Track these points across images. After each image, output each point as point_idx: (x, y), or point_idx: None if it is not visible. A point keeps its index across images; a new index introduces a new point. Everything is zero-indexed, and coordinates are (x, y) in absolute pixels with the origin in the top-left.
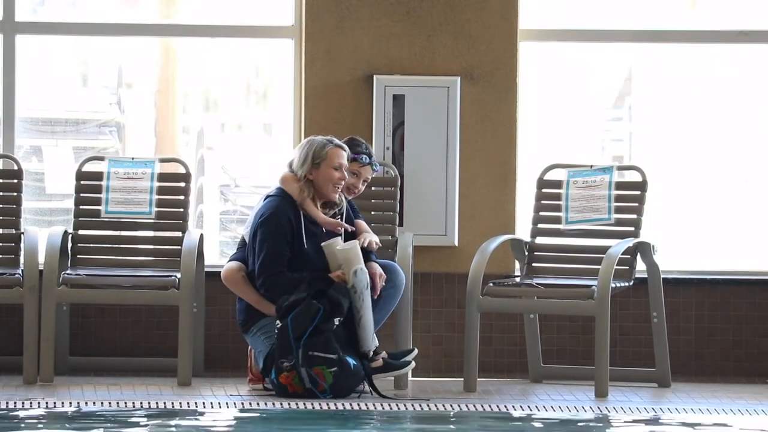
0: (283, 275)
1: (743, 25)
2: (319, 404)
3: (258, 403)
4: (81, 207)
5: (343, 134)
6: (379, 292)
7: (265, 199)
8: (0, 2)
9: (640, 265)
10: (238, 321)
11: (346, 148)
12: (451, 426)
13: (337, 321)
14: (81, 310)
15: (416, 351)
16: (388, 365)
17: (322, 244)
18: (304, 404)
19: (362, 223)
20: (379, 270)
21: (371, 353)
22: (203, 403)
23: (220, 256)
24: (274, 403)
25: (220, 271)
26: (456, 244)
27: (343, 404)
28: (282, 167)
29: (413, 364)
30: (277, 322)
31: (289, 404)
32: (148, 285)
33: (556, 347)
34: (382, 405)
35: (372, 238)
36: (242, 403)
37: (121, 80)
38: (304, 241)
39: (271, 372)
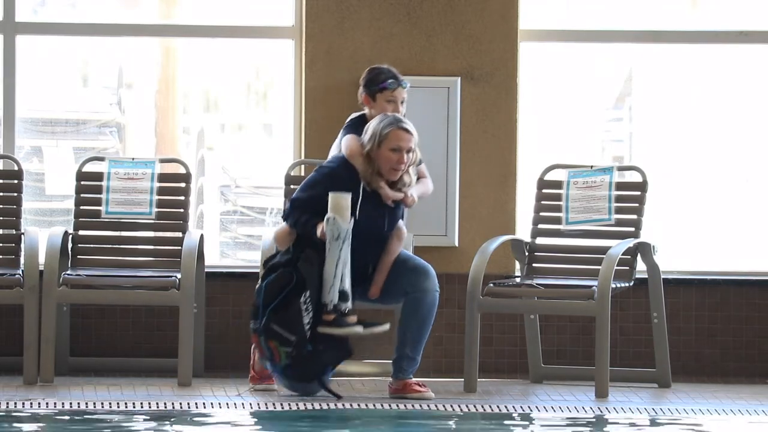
0: (301, 215)
1: (743, 26)
2: (320, 404)
3: (258, 404)
4: (81, 207)
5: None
6: (395, 252)
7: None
8: (0, 3)
9: (641, 266)
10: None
11: (413, 131)
12: (452, 426)
13: (303, 298)
14: (81, 311)
15: (387, 326)
16: (336, 321)
17: (330, 193)
18: (305, 405)
19: (421, 177)
20: (399, 231)
21: (330, 306)
22: (203, 404)
23: (220, 256)
24: (274, 404)
25: (220, 272)
26: (456, 244)
27: (343, 404)
28: (283, 167)
29: (360, 330)
30: (259, 282)
31: (289, 405)
32: (148, 285)
33: (556, 348)
34: (382, 405)
35: (409, 192)
36: (242, 404)
37: (121, 81)
38: (357, 213)
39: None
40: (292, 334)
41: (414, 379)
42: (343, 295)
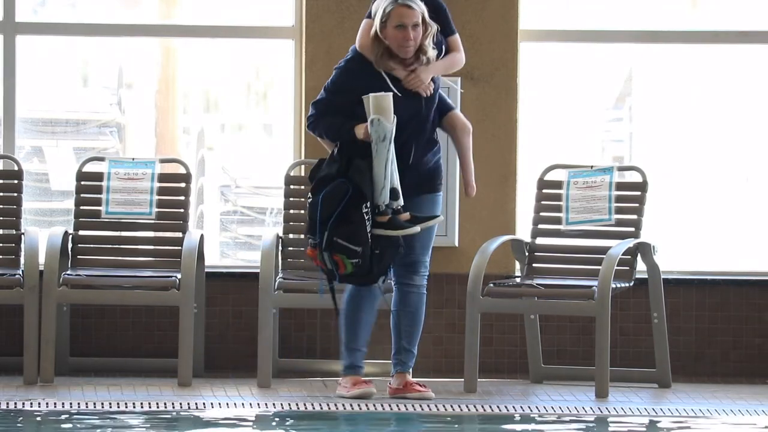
0: (326, 118)
1: (743, 26)
2: (320, 405)
3: (258, 404)
4: (81, 207)
5: None
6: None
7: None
8: (0, 3)
9: (641, 266)
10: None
11: (416, 5)
12: (452, 426)
13: (365, 208)
14: (81, 311)
15: (440, 217)
16: (391, 222)
17: (363, 97)
18: (304, 405)
19: (452, 50)
20: (462, 124)
21: (383, 206)
22: (203, 404)
23: (220, 256)
24: (274, 404)
25: (220, 272)
26: (456, 244)
27: (343, 405)
28: (283, 167)
29: (417, 229)
30: (309, 195)
31: (289, 405)
32: (148, 286)
33: (556, 348)
34: (383, 406)
35: (423, 77)
36: (242, 404)
37: (121, 81)
38: (391, 92)
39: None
40: (357, 245)
41: (414, 379)
42: (394, 193)
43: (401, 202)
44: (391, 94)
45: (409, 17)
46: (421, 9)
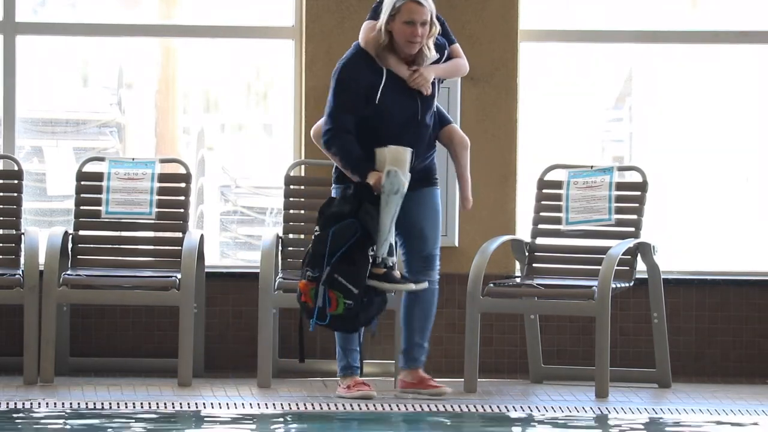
0: (344, 136)
1: (743, 26)
2: (320, 405)
3: (258, 404)
4: (81, 207)
5: None
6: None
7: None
8: (0, 3)
9: (641, 266)
10: (333, 175)
11: (426, 3)
12: (452, 426)
13: (371, 252)
14: (81, 311)
15: (426, 284)
16: (386, 276)
17: (376, 149)
18: (304, 405)
19: (454, 57)
20: (460, 139)
21: (379, 259)
22: (203, 404)
23: (220, 256)
24: (274, 405)
25: (220, 272)
26: (456, 244)
27: (344, 405)
28: (283, 167)
29: (413, 287)
30: (317, 228)
31: (289, 405)
32: (148, 286)
33: (556, 348)
34: (382, 406)
35: (426, 76)
36: (242, 404)
37: (121, 81)
38: (378, 94)
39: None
40: (356, 287)
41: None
42: (390, 249)
43: (395, 259)
44: (410, 149)
45: (419, 14)
46: (431, 8)
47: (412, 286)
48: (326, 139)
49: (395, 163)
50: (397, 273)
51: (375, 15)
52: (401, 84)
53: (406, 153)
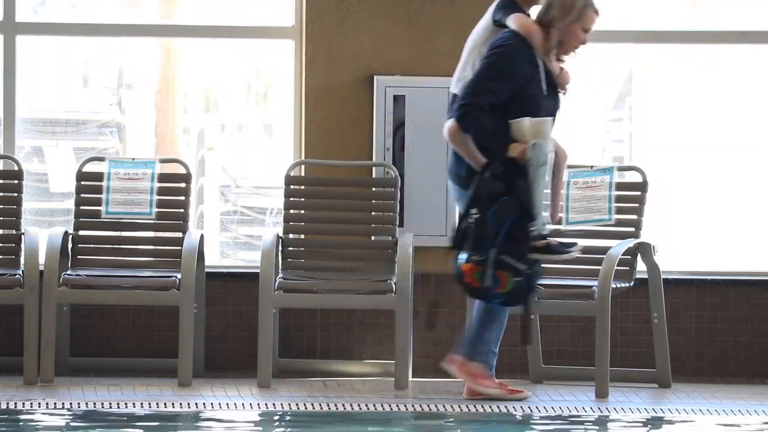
0: (481, 115)
1: (743, 26)
2: (320, 405)
3: (258, 404)
4: (81, 207)
5: (344, 135)
6: None
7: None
8: (0, 3)
9: (641, 266)
10: (450, 171)
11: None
12: (452, 426)
13: (532, 228)
14: (81, 311)
15: (578, 245)
16: (548, 248)
17: (511, 122)
18: (304, 405)
19: None
20: (562, 152)
21: (536, 232)
22: (203, 404)
23: (220, 256)
24: (274, 405)
25: (220, 272)
26: None
27: (344, 405)
28: (283, 167)
29: (574, 254)
30: (474, 210)
31: (289, 405)
32: (148, 286)
33: (556, 348)
34: (382, 406)
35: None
36: (242, 404)
37: (121, 81)
38: (543, 86)
39: (460, 251)
40: (522, 263)
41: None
42: (542, 220)
43: (548, 229)
44: (550, 119)
45: (594, 24)
46: None
47: (574, 254)
48: (461, 113)
49: (537, 134)
50: (555, 242)
51: (511, 9)
52: (548, 80)
53: (547, 124)
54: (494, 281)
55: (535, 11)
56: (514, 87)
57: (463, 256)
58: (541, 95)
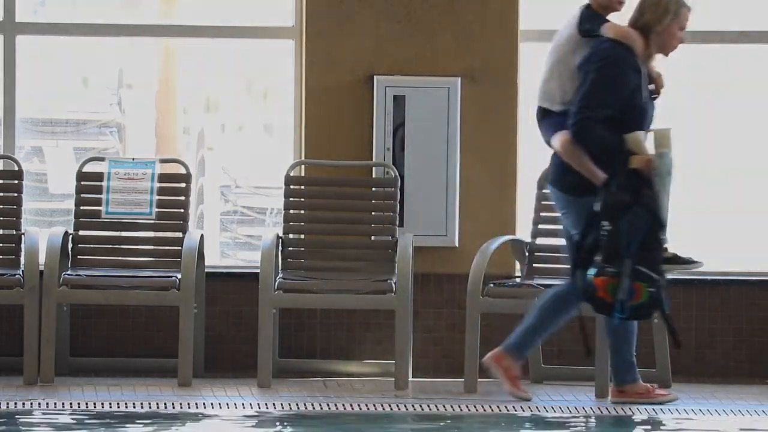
0: (596, 128)
1: (743, 26)
2: (320, 405)
3: (258, 404)
4: (81, 208)
5: (343, 135)
6: None
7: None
8: (0, 3)
9: None
10: (557, 180)
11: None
12: (452, 426)
13: (664, 237)
14: (81, 311)
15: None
16: (675, 258)
17: (625, 135)
18: (304, 405)
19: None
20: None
21: (665, 242)
22: (203, 404)
23: (220, 256)
24: (275, 405)
25: (220, 272)
26: (456, 244)
27: (344, 405)
28: (283, 167)
29: (701, 264)
30: (606, 223)
31: (289, 405)
32: (148, 286)
33: (556, 348)
34: (382, 406)
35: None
36: (242, 404)
37: (121, 81)
38: (646, 92)
39: (588, 266)
40: (657, 273)
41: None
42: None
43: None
44: (671, 128)
45: (689, 21)
46: None
47: (701, 264)
48: (578, 128)
49: (664, 143)
50: (681, 254)
51: (596, 19)
52: (646, 84)
53: (669, 132)
54: (629, 293)
55: (612, 18)
56: (624, 97)
57: (591, 271)
58: (647, 101)
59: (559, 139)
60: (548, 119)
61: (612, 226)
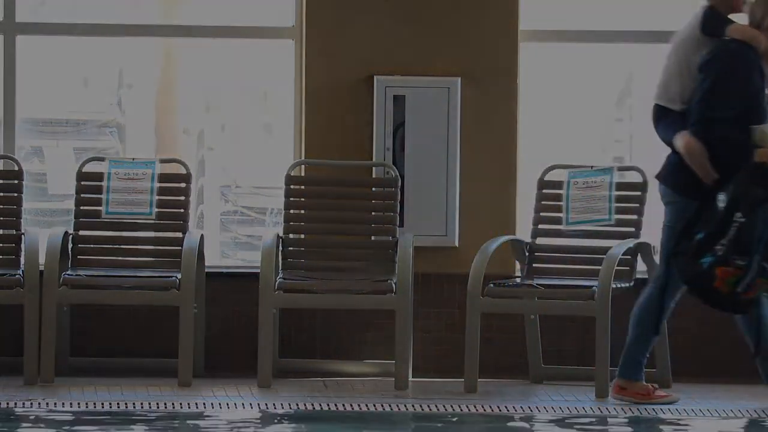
0: (720, 128)
1: None
2: (320, 405)
3: (258, 404)
4: (81, 208)
5: (343, 135)
6: None
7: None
8: (0, 3)
9: (641, 266)
10: (667, 177)
11: None
12: (452, 426)
13: None
14: (81, 311)
15: None
16: None
17: (753, 127)
18: (305, 405)
19: None
20: None
21: None
22: (203, 404)
23: (220, 256)
24: (274, 404)
25: (220, 272)
26: (456, 244)
27: (344, 405)
28: (283, 167)
29: None
30: (738, 215)
31: (289, 405)
32: (148, 286)
33: (556, 348)
34: (382, 406)
35: None
36: (242, 404)
37: (121, 81)
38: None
39: (704, 255)
40: None
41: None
42: None
43: None
44: None
45: None
46: None
47: None
48: (701, 127)
49: None
50: None
51: (719, 21)
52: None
53: None
54: (748, 287)
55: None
56: (748, 98)
57: (708, 260)
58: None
59: (684, 138)
60: (667, 119)
61: (746, 219)
